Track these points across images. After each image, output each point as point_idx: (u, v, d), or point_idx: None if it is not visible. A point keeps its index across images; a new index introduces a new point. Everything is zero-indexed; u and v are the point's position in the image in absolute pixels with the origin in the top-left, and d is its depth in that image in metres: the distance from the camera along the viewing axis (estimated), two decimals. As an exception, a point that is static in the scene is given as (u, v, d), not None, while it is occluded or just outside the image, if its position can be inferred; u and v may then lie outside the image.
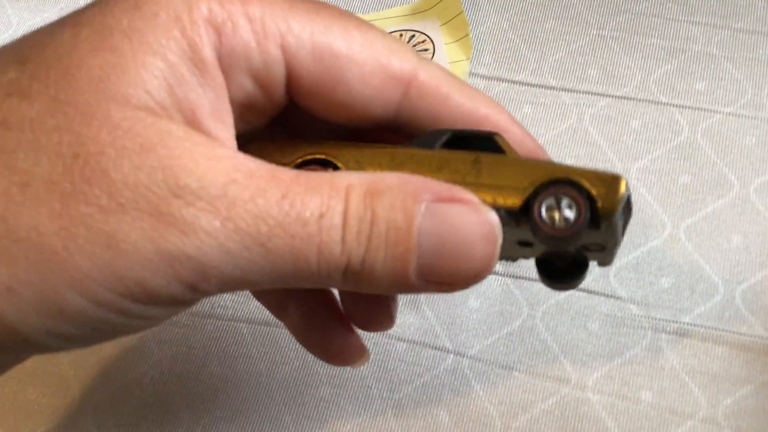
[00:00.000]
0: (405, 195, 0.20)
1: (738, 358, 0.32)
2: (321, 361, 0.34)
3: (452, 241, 0.21)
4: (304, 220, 0.19)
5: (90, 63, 0.19)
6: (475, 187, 0.22)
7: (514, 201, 0.22)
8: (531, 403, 0.33)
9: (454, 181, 0.22)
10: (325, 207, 0.20)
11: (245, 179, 0.19)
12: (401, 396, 0.34)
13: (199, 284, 0.20)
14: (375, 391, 0.34)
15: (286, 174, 0.20)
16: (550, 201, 0.22)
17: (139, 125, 0.19)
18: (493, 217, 0.21)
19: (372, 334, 0.34)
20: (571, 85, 0.39)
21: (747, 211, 0.35)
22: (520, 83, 0.39)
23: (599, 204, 0.21)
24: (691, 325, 0.33)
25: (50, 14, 0.44)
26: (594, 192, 0.21)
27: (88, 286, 0.19)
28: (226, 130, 0.22)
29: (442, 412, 0.33)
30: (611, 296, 0.34)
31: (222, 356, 0.36)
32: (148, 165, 0.19)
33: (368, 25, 0.24)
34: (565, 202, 0.21)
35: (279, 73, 0.23)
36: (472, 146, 0.23)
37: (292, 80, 0.23)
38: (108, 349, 0.37)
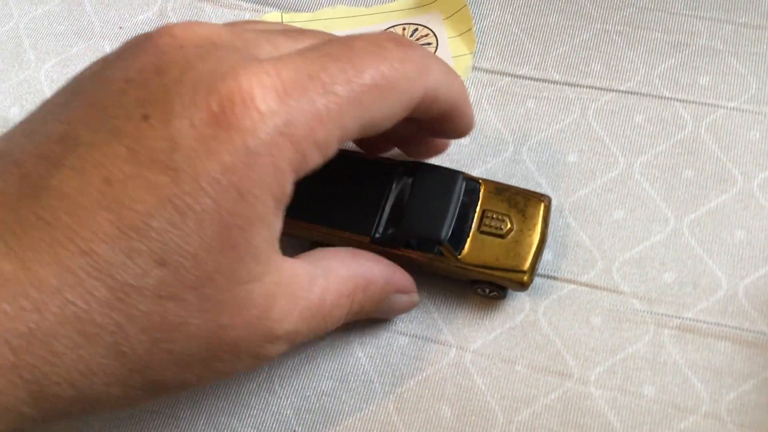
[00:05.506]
0: (384, 292, 0.31)
1: (741, 354, 0.32)
2: (324, 355, 0.34)
3: (390, 311, 0.33)
4: (327, 329, 0.29)
5: (224, 267, 0.24)
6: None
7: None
8: (533, 398, 0.33)
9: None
10: (343, 314, 0.29)
11: (308, 313, 0.27)
12: (403, 390, 0.34)
13: None
14: (377, 384, 0.34)
15: (328, 296, 0.28)
16: (482, 288, 0.34)
17: (257, 297, 0.25)
18: (416, 300, 0.34)
19: (374, 327, 0.34)
20: (574, 79, 0.39)
21: (750, 206, 0.35)
22: (524, 77, 0.39)
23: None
24: (693, 320, 0.33)
25: (51, 6, 0.44)
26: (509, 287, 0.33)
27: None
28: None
29: (444, 407, 0.33)
30: (614, 291, 0.34)
31: (224, 350, 0.36)
32: (260, 331, 0.26)
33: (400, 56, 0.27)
34: (488, 289, 0.34)
35: (332, 153, 0.26)
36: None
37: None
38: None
